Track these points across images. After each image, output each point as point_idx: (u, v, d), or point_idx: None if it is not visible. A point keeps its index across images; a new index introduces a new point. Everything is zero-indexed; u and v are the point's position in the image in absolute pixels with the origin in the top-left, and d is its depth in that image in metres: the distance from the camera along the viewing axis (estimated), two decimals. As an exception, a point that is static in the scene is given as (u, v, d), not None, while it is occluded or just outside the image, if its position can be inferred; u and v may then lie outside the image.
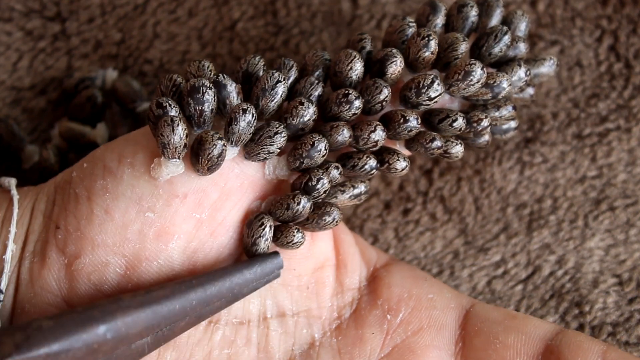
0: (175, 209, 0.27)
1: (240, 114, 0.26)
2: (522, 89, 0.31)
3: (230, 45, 0.39)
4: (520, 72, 0.30)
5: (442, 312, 0.30)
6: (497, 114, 0.30)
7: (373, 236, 0.36)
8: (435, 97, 0.28)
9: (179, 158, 0.26)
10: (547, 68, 0.32)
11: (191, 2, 0.40)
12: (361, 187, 0.29)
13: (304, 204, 0.27)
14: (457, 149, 0.29)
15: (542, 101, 0.37)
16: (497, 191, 0.36)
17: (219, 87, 0.27)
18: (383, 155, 0.29)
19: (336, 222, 0.28)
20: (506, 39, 0.30)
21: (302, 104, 0.27)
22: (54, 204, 0.28)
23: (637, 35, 0.38)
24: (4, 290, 0.27)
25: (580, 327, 0.33)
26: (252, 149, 0.27)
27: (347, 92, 0.28)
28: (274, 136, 0.27)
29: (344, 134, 0.28)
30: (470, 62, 0.28)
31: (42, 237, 0.28)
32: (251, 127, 0.26)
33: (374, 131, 0.28)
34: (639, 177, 0.36)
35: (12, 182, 0.30)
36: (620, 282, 0.34)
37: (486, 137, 0.31)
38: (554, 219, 0.36)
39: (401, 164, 0.29)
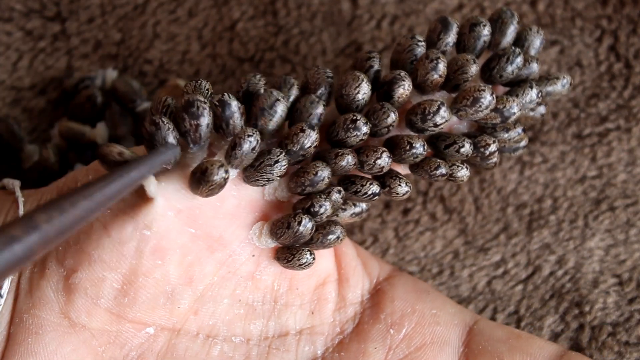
0: (170, 222, 0.27)
1: (245, 139, 0.26)
2: (533, 109, 0.30)
3: (230, 45, 0.39)
4: (532, 94, 0.29)
5: (445, 328, 0.30)
6: (506, 136, 0.30)
7: (373, 236, 0.36)
8: (441, 124, 0.28)
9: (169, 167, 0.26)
10: (561, 87, 0.31)
11: (191, 2, 0.40)
12: (362, 205, 0.29)
13: (305, 224, 0.27)
14: (463, 173, 0.29)
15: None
16: (497, 191, 0.36)
17: (223, 106, 0.26)
18: (385, 178, 0.28)
19: (340, 240, 0.28)
20: (519, 61, 0.29)
21: (303, 130, 0.26)
22: None
23: (637, 35, 0.38)
24: (4, 295, 0.27)
25: (580, 327, 0.33)
26: (251, 174, 0.27)
27: (355, 117, 0.27)
28: (274, 165, 0.26)
29: (349, 161, 0.27)
30: (480, 89, 0.28)
31: None
32: (255, 152, 0.26)
33: (379, 157, 0.27)
34: (639, 177, 0.36)
35: (16, 184, 0.30)
36: (620, 282, 0.34)
37: (494, 159, 0.30)
38: (554, 219, 0.36)
39: (403, 189, 0.28)
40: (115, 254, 0.26)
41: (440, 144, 0.29)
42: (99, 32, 0.40)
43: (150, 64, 0.39)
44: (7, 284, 0.27)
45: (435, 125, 0.28)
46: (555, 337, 0.33)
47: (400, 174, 0.29)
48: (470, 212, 0.36)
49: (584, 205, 0.36)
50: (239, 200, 0.28)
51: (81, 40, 0.39)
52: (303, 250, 0.28)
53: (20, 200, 0.28)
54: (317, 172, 0.27)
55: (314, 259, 0.28)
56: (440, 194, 0.36)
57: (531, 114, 0.31)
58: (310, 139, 0.27)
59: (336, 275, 0.30)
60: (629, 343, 0.33)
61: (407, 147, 0.28)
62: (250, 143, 0.26)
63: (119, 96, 0.37)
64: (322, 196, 0.27)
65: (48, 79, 0.39)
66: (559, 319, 0.34)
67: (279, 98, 0.27)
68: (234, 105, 0.26)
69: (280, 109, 0.27)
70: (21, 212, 0.28)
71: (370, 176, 0.29)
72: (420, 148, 0.28)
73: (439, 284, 0.35)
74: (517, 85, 0.30)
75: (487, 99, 0.28)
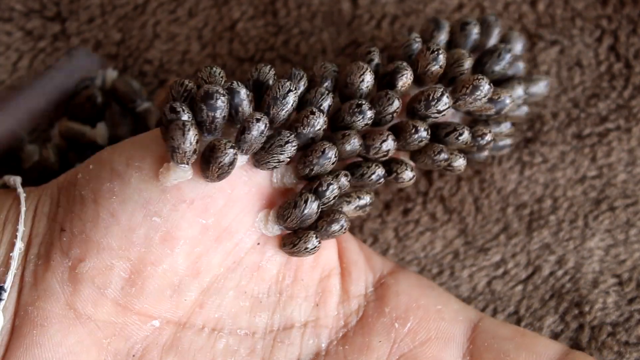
0: (182, 214, 0.27)
1: (254, 123, 0.26)
2: (518, 107, 0.32)
3: (230, 45, 0.39)
4: (519, 90, 0.31)
5: (450, 324, 0.30)
6: (497, 129, 0.31)
7: (373, 236, 0.36)
8: (444, 110, 0.29)
9: (187, 164, 0.26)
10: (542, 88, 0.33)
11: (191, 2, 0.40)
12: (366, 199, 0.29)
13: (311, 203, 0.27)
14: (460, 162, 0.30)
15: (542, 101, 0.37)
16: (497, 191, 0.36)
17: (232, 93, 0.27)
18: (391, 165, 0.29)
19: (345, 229, 0.28)
20: (508, 57, 0.31)
21: (313, 113, 0.27)
22: (58, 206, 0.28)
23: (637, 35, 0.38)
24: (7, 289, 0.27)
25: (580, 328, 0.33)
26: (262, 157, 0.27)
27: (360, 102, 0.28)
28: (284, 145, 0.27)
29: (354, 143, 0.28)
30: (478, 77, 0.29)
31: (47, 240, 0.28)
32: (263, 136, 0.26)
33: (385, 141, 0.28)
34: (639, 177, 0.36)
35: (17, 180, 0.30)
36: (620, 282, 0.34)
37: (486, 152, 0.32)
38: (554, 219, 0.36)
39: (409, 174, 0.29)
40: (125, 241, 0.26)
41: (441, 132, 0.30)
42: (99, 32, 0.40)
43: (150, 64, 0.39)
44: (10, 278, 0.27)
45: (438, 112, 0.29)
46: (555, 337, 0.33)
47: (405, 160, 0.30)
48: (470, 212, 0.36)
49: (584, 205, 0.36)
50: (249, 187, 0.28)
51: (81, 40, 0.39)
52: (309, 233, 0.28)
53: (22, 195, 0.29)
54: (324, 150, 0.27)
55: (319, 243, 0.28)
56: (440, 194, 0.36)
57: (516, 112, 0.33)
58: (320, 122, 0.27)
59: (339, 268, 0.30)
60: (628, 343, 0.33)
61: (413, 131, 0.28)
62: (259, 127, 0.26)
63: (119, 96, 0.37)
64: (330, 177, 0.28)
65: (48, 79, 0.39)
66: (559, 319, 0.34)
67: (292, 89, 0.27)
68: (243, 92, 0.27)
69: (292, 99, 0.27)
70: (23, 207, 0.28)
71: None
72: (424, 132, 0.29)
73: (439, 284, 0.35)
74: (505, 82, 0.31)
75: (486, 87, 0.29)
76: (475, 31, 0.31)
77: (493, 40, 0.33)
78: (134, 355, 0.27)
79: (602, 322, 0.33)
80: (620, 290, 0.34)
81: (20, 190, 0.29)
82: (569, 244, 0.35)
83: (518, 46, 0.33)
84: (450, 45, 0.32)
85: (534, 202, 0.36)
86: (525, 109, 0.33)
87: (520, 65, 0.32)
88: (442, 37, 0.32)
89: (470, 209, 0.36)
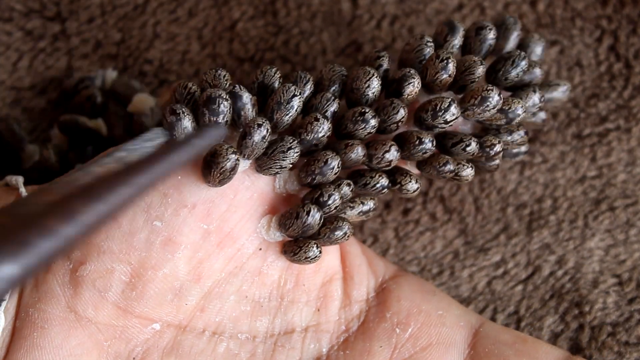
0: (183, 218, 0.27)
1: (255, 129, 0.26)
2: (534, 114, 0.31)
3: (230, 45, 0.39)
4: (535, 98, 0.30)
5: (451, 329, 0.30)
6: (509, 138, 0.30)
7: (373, 236, 0.36)
8: (451, 121, 0.28)
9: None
10: (561, 94, 0.32)
11: (191, 2, 0.40)
12: (370, 204, 0.29)
13: (313, 214, 0.27)
14: (468, 172, 0.29)
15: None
16: (497, 191, 0.36)
17: (234, 97, 0.26)
18: (395, 175, 0.29)
19: (347, 236, 0.28)
20: (523, 64, 0.30)
21: (317, 119, 0.27)
22: None
23: (637, 35, 0.38)
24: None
25: (580, 328, 0.33)
26: (264, 162, 0.27)
27: (363, 110, 0.27)
28: (287, 151, 0.27)
29: (358, 153, 0.27)
30: (487, 88, 0.28)
31: None
32: (265, 141, 0.26)
33: (388, 151, 0.28)
34: (639, 177, 0.36)
35: (19, 180, 0.30)
36: (620, 282, 0.34)
37: (497, 161, 0.31)
38: (554, 219, 0.36)
39: (413, 186, 0.29)
40: (125, 245, 0.27)
41: (447, 142, 0.29)
42: (99, 32, 0.40)
43: (150, 64, 0.39)
44: None
45: (446, 122, 0.28)
46: (555, 337, 0.33)
47: (410, 171, 0.29)
48: (470, 212, 0.36)
49: (584, 205, 0.36)
50: (251, 192, 0.28)
51: (81, 40, 0.39)
52: (310, 243, 0.28)
53: (24, 195, 0.28)
54: (327, 160, 0.27)
55: (320, 252, 0.28)
56: (440, 194, 0.36)
57: (532, 119, 0.32)
58: (323, 129, 0.27)
59: (342, 273, 0.30)
60: (628, 343, 0.33)
61: (417, 142, 0.28)
62: (261, 132, 0.26)
63: (119, 96, 0.37)
64: (331, 186, 0.27)
65: (48, 79, 0.39)
66: (559, 319, 0.34)
67: (296, 94, 0.27)
68: (245, 97, 0.27)
69: (297, 104, 0.27)
70: None
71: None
72: (429, 143, 0.28)
73: (439, 284, 0.35)
74: (520, 89, 0.30)
75: (495, 98, 0.28)
76: (490, 36, 0.30)
77: (511, 44, 0.31)
78: (134, 358, 0.27)
79: (602, 322, 0.33)
80: (620, 290, 0.34)
81: (22, 190, 0.29)
82: (569, 244, 0.35)
83: (538, 50, 0.32)
84: (465, 49, 0.31)
85: (534, 202, 0.36)
86: (542, 116, 0.32)
87: (538, 72, 0.31)
88: (456, 41, 0.31)
89: (470, 209, 0.36)
